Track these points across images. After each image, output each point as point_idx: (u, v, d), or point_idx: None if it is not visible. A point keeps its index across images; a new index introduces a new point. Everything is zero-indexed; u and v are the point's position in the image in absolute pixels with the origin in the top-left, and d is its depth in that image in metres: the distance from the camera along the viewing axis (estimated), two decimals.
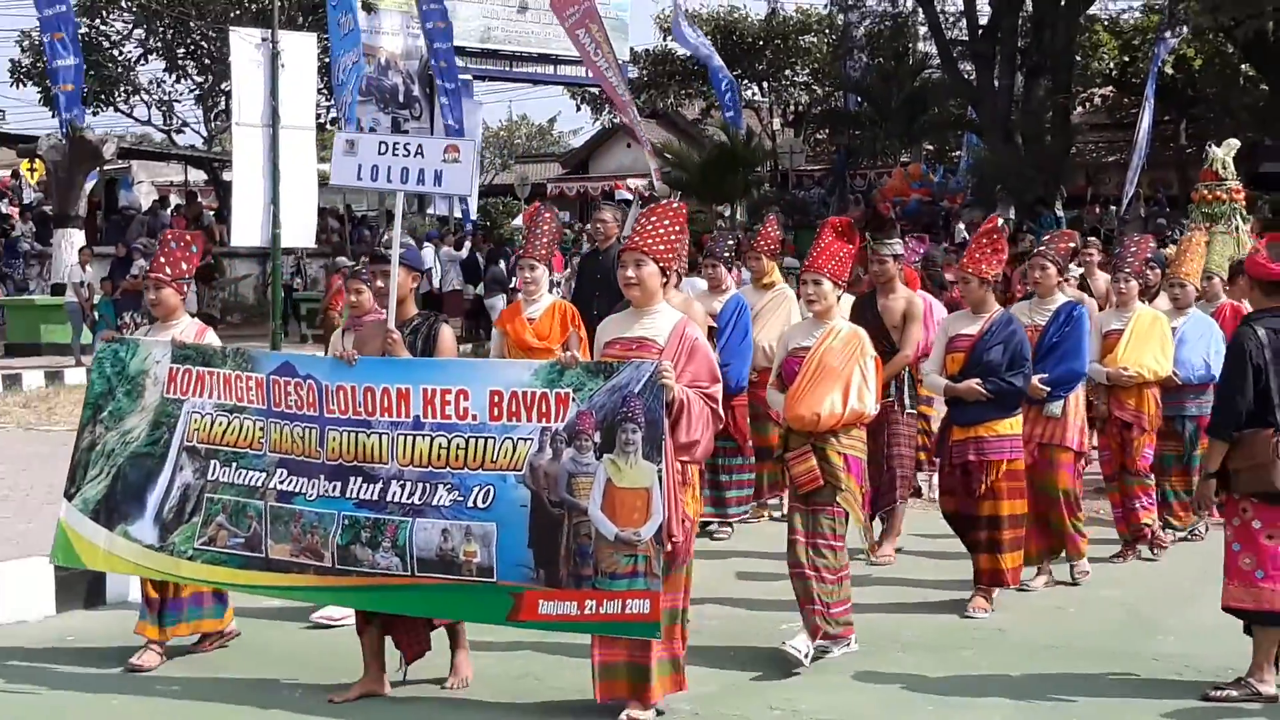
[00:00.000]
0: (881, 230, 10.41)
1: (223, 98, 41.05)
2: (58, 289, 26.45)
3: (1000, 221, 9.21)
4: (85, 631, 8.12)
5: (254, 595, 7.67)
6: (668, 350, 6.65)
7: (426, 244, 30.16)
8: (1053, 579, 9.37)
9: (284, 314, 25.17)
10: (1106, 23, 38.51)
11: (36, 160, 38.32)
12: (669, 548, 6.48)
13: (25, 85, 42.17)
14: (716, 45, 40.63)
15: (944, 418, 9.02)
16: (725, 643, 7.96)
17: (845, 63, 40.89)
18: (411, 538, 6.75)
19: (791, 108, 46.31)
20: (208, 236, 33.14)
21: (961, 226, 31.01)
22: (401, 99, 35.15)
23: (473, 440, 6.73)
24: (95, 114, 40.35)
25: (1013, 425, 8.72)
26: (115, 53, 42.37)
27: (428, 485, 6.79)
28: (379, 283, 7.48)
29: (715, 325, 9.92)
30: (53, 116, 34.90)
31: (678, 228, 6.93)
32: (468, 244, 30.81)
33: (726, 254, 10.82)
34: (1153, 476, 10.17)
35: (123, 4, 41.58)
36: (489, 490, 6.66)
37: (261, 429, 7.22)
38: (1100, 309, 10.44)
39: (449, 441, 6.78)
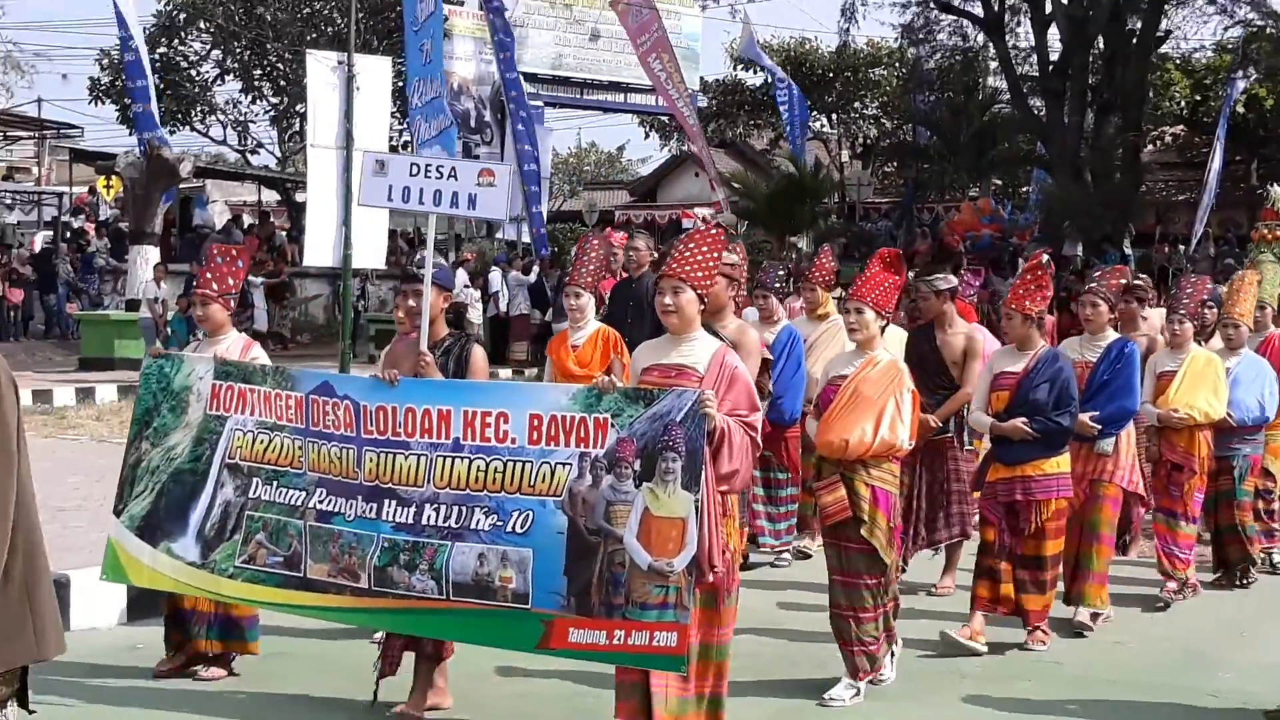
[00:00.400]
0: (948, 262, 10.45)
1: (297, 119, 41.50)
2: (132, 305, 26.83)
3: (1045, 258, 9.16)
4: (155, 642, 8.20)
5: (291, 615, 7.70)
6: (708, 378, 6.59)
7: (494, 268, 30.39)
8: (1107, 617, 9.31)
9: (353, 334, 25.42)
10: (1178, 61, 38.34)
11: (114, 177, 38.90)
12: (710, 578, 6.42)
13: (104, 103, 42.74)
14: (788, 71, 40.72)
15: (986, 454, 8.97)
16: (776, 673, 7.99)
17: (915, 96, 40.86)
18: (449, 561, 6.69)
19: (860, 140, 46.33)
20: (280, 257, 33.59)
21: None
22: (473, 124, 35.40)
23: (511, 464, 6.66)
24: (172, 133, 40.84)
25: (1059, 464, 8.61)
26: (193, 73, 42.91)
27: (464, 509, 6.72)
28: (410, 302, 7.41)
29: (767, 356, 9.95)
30: (130, 134, 35.47)
31: (716, 254, 6.88)
32: (535, 269, 31.02)
33: (778, 284, 10.84)
34: (1197, 524, 10.11)
35: (201, 25, 42.15)
36: (528, 515, 6.59)
37: (300, 448, 7.20)
38: (1147, 348, 10.38)
39: (487, 464, 6.70)
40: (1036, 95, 35.58)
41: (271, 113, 44.28)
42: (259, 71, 42.47)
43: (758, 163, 44.53)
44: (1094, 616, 9.19)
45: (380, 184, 7.62)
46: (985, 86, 40.87)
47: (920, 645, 8.52)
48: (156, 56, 40.13)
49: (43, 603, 4.44)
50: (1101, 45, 34.20)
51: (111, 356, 25.51)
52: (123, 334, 25.86)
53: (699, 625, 6.47)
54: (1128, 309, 10.57)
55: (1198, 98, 37.78)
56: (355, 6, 26.97)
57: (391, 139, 32.60)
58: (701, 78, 41.65)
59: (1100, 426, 9.03)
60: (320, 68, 25.24)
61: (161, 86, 39.13)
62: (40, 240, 36.98)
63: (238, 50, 41.67)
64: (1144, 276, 10.97)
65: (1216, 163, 30.90)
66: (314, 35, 38.27)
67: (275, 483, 7.24)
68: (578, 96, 39.23)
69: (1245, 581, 10.47)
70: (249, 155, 46.89)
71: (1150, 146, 38.76)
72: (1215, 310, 11.60)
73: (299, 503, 7.15)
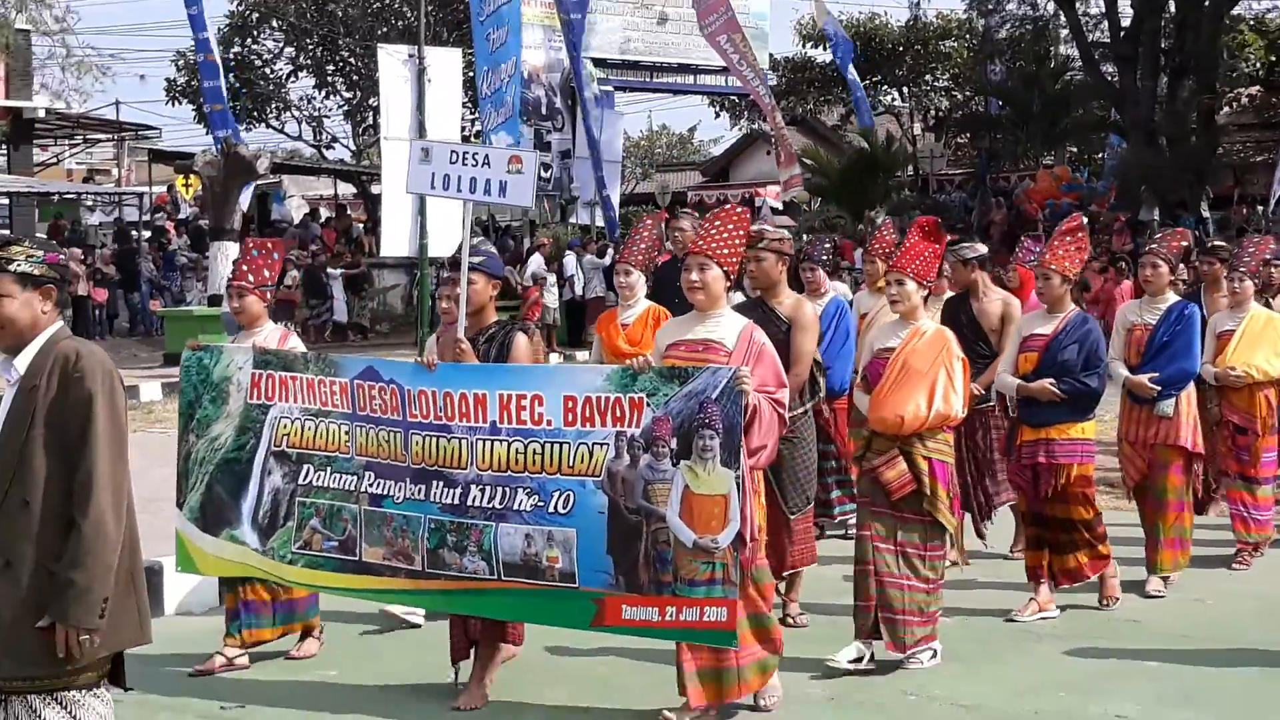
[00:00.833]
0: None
1: (370, 113, 41.87)
2: (214, 300, 27.17)
3: (1084, 219, 9.02)
4: None
5: (350, 598, 7.74)
6: (736, 354, 6.63)
7: (569, 252, 30.58)
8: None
9: (430, 322, 25.71)
10: (1252, 23, 37.89)
11: (191, 176, 39.43)
12: (748, 554, 6.48)
13: (180, 104, 43.30)
14: (856, 51, 40.65)
15: (1013, 417, 8.88)
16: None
17: (986, 67, 40.65)
18: (496, 541, 6.74)
19: (932, 112, 46.16)
20: (357, 249, 33.97)
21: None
22: (544, 111, 35.62)
23: (549, 445, 6.68)
24: (248, 130, 41.36)
25: (1085, 429, 8.52)
26: (267, 71, 43.40)
27: (507, 490, 6.76)
28: (456, 290, 7.35)
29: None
30: (207, 134, 35.95)
31: (742, 232, 6.89)
32: (610, 252, 31.21)
33: (824, 257, 10.79)
34: (1272, 484, 10.03)
35: (274, 24, 42.62)
36: (569, 496, 6.63)
37: (347, 433, 7.23)
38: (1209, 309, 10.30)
39: (525, 446, 6.73)
40: (1108, 62, 35.29)
41: (345, 107, 44.71)
42: (331, 67, 42.90)
43: (829, 138, 44.51)
44: (1165, 581, 9.16)
45: (425, 171, 7.68)
46: (1057, 55, 40.58)
47: (994, 612, 8.59)
48: (231, 56, 40.71)
49: (142, 590, 4.70)
50: (1173, 9, 33.90)
51: None
52: (205, 328, 26.12)
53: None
54: (1211, 270, 10.55)
55: (1273, 58, 37.31)
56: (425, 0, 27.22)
57: (463, 129, 32.87)
58: (771, 55, 41.66)
59: (1160, 388, 9.00)
60: (392, 61, 25.55)
61: (237, 85, 39.74)
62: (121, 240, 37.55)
63: (310, 47, 42.14)
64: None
65: None
66: (384, 29, 38.61)
67: (328, 468, 7.28)
68: (647, 80, 39.37)
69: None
70: (324, 150, 47.38)
71: (1226, 109, 38.31)
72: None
73: (352, 487, 7.19)
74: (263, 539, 7.38)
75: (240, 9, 42.07)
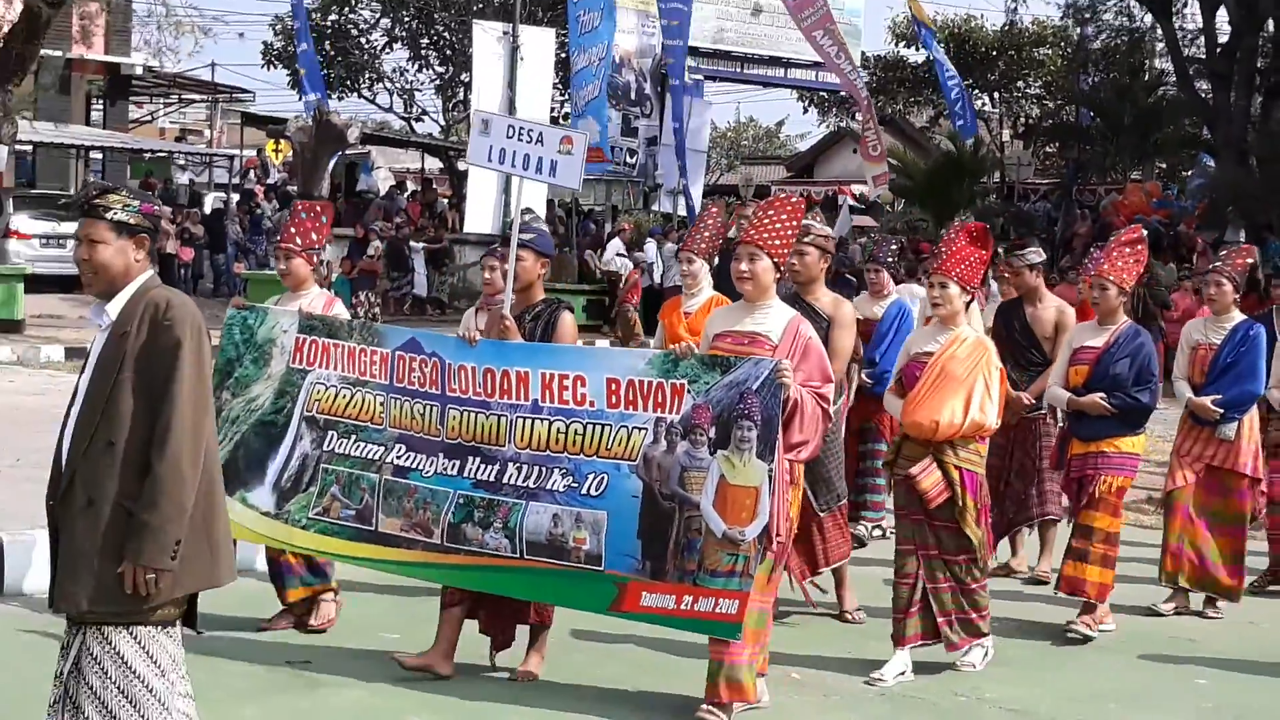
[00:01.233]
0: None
1: (461, 88, 42.16)
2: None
3: (1144, 233, 8.88)
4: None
5: (362, 568, 7.75)
6: (781, 347, 6.58)
7: (650, 239, 30.70)
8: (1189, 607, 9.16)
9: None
10: None
11: (281, 141, 39.85)
12: (774, 548, 6.46)
13: (275, 68, 43.73)
14: (949, 54, 40.45)
15: (1061, 430, 8.81)
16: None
17: (1079, 76, 40.35)
18: (523, 520, 6.75)
19: (1022, 119, 45.89)
20: (441, 223, 34.23)
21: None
22: (634, 96, 35.74)
23: (589, 426, 6.70)
24: (340, 99, 41.77)
25: (1135, 444, 8.43)
26: (362, 41, 43.75)
27: (543, 469, 6.76)
28: (505, 267, 7.37)
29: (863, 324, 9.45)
30: (299, 99, 36.33)
31: (795, 223, 6.83)
32: None
33: (890, 259, 10.80)
34: None
35: None
36: (603, 478, 6.63)
37: (382, 404, 7.21)
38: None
39: (566, 426, 6.75)
40: (1203, 78, 34.97)
41: (437, 81, 45.01)
42: (426, 40, 43.19)
43: (917, 140, 44.35)
44: (1210, 602, 9.09)
45: (483, 144, 7.68)
46: (1151, 68, 40.22)
47: (1051, 622, 8.63)
48: (328, 24, 41.06)
49: (220, 533, 4.87)
50: (1271, 28, 33.55)
51: None
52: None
53: (760, 591, 6.52)
54: None
55: None
56: None
57: (553, 109, 33.07)
58: (863, 52, 41.56)
59: (1223, 410, 8.84)
60: (486, 37, 25.80)
61: (332, 53, 40.07)
62: (210, 201, 38.06)
63: (406, 19, 42.42)
64: None
65: None
66: (480, 5, 38.82)
67: (353, 437, 7.27)
68: (738, 71, 39.37)
69: None
70: (413, 123, 47.70)
71: None
72: None
73: (375, 457, 7.19)
74: (280, 502, 7.36)
75: None
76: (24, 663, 7.03)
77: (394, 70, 45.08)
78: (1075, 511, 8.59)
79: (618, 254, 29.95)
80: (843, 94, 41.37)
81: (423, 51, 43.64)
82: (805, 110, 50.06)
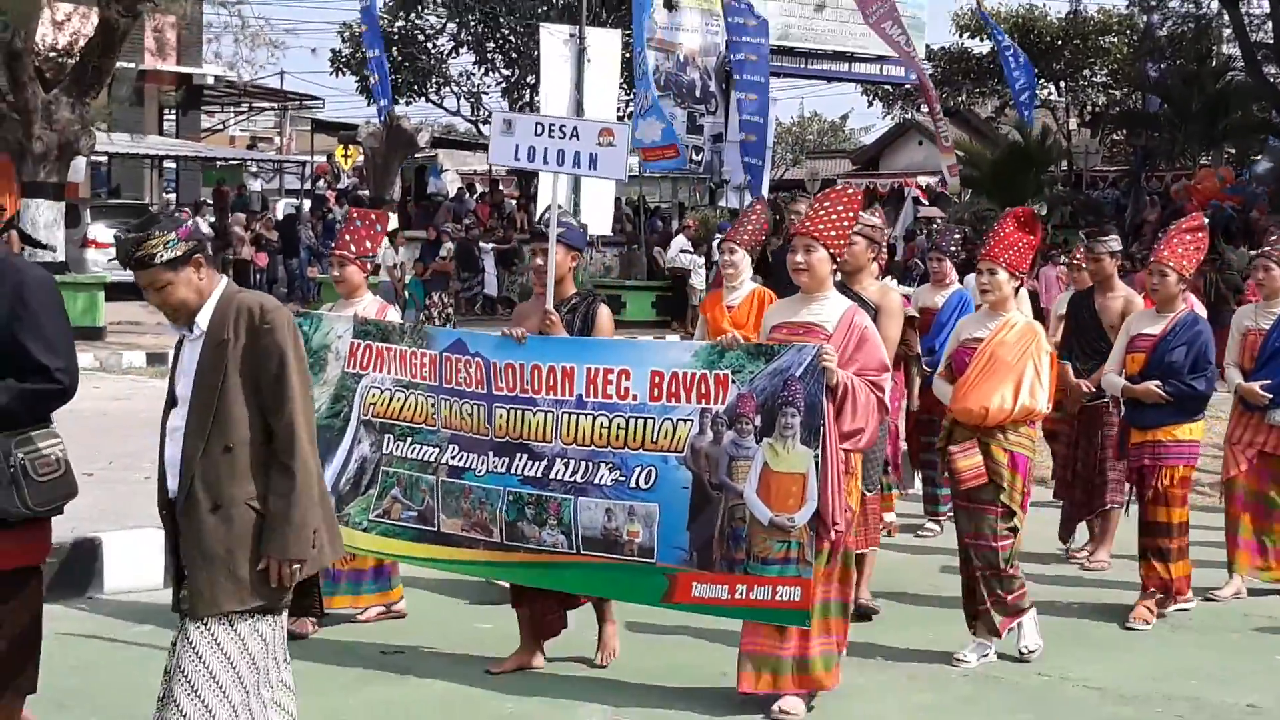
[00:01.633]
0: None
1: (528, 91, 42.40)
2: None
3: (1205, 220, 8.82)
4: None
5: (425, 568, 7.87)
6: (835, 337, 6.54)
7: (717, 235, 30.80)
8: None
9: None
10: None
11: (351, 146, 40.30)
12: (832, 536, 6.42)
13: (344, 74, 44.10)
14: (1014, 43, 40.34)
15: (1121, 419, 8.82)
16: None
17: (1146, 63, 40.15)
18: (576, 515, 6.78)
19: (1088, 108, 45.68)
20: (509, 224, 34.52)
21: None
22: (698, 94, 35.85)
23: (633, 420, 6.72)
24: (407, 104, 42.07)
25: (1193, 431, 8.35)
26: (429, 46, 44.06)
27: (590, 464, 6.80)
28: (539, 260, 7.40)
29: (912, 314, 9.14)
30: (368, 105, 36.70)
31: (851, 214, 6.79)
32: None
33: (953, 248, 10.78)
34: None
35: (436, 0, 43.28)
36: (651, 471, 6.66)
37: (433, 405, 7.24)
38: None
39: (610, 421, 6.77)
40: (1271, 63, 34.75)
41: (503, 84, 45.24)
42: (492, 44, 43.43)
43: (983, 130, 44.22)
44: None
45: (507, 143, 7.69)
46: (1218, 54, 39.96)
47: (1123, 609, 8.66)
48: (395, 30, 41.41)
49: (331, 517, 5.12)
50: None
51: None
52: None
53: (820, 582, 6.47)
54: None
55: None
56: None
57: (619, 110, 33.26)
58: (928, 45, 41.50)
59: (1271, 395, 8.76)
60: (553, 40, 26.02)
61: (399, 59, 40.43)
62: (282, 207, 38.54)
63: (472, 24, 42.69)
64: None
65: None
66: (545, 8, 39.07)
67: (410, 439, 7.31)
68: (802, 66, 39.37)
69: None
70: (480, 126, 47.99)
71: None
72: None
73: (431, 459, 7.23)
74: (339, 505, 7.25)
75: None
76: (128, 658, 7.28)
77: (461, 74, 45.38)
78: (1141, 503, 8.57)
79: (682, 250, 30.06)
80: (907, 86, 41.35)
81: (489, 55, 43.89)
82: (870, 104, 50.08)
